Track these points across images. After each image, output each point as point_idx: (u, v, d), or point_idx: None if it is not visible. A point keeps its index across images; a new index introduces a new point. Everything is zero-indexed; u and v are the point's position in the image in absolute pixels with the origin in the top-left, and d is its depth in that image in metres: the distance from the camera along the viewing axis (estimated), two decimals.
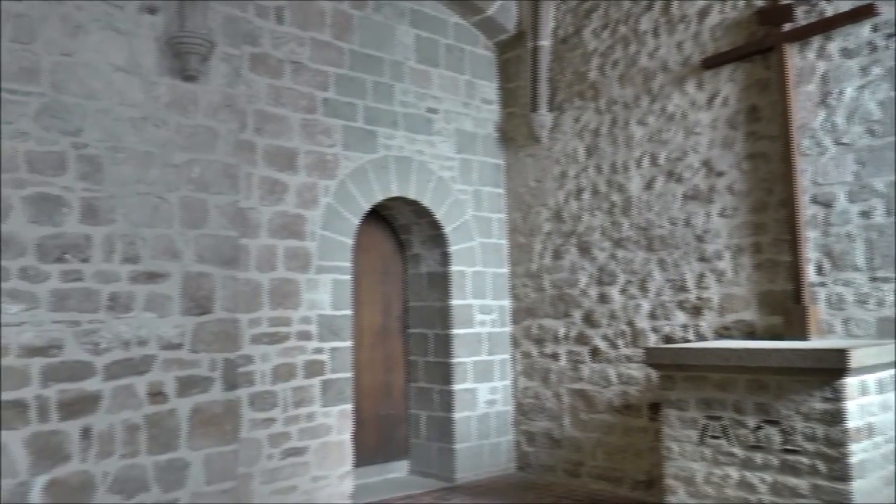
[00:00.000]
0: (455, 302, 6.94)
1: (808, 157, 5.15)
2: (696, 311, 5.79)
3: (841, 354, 3.85)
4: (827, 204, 5.04)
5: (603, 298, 6.49)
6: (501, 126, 7.51)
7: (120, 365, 4.60)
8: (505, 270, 7.39)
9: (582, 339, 6.64)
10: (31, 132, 4.38)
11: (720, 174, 5.68)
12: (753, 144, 5.50)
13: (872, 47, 4.88)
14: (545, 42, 7.09)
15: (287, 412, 5.70)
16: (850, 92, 4.97)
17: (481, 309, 7.15)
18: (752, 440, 4.19)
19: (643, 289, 6.17)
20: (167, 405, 4.79)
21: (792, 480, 4.00)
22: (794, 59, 5.25)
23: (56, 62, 4.50)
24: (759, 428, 4.17)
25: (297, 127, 5.93)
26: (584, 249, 6.68)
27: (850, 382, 3.91)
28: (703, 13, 5.87)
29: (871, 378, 4.08)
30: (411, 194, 6.72)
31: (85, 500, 4.40)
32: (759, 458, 4.15)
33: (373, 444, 6.85)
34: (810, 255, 5.10)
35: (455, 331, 6.91)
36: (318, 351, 5.93)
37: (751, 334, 5.43)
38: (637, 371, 6.14)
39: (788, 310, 5.11)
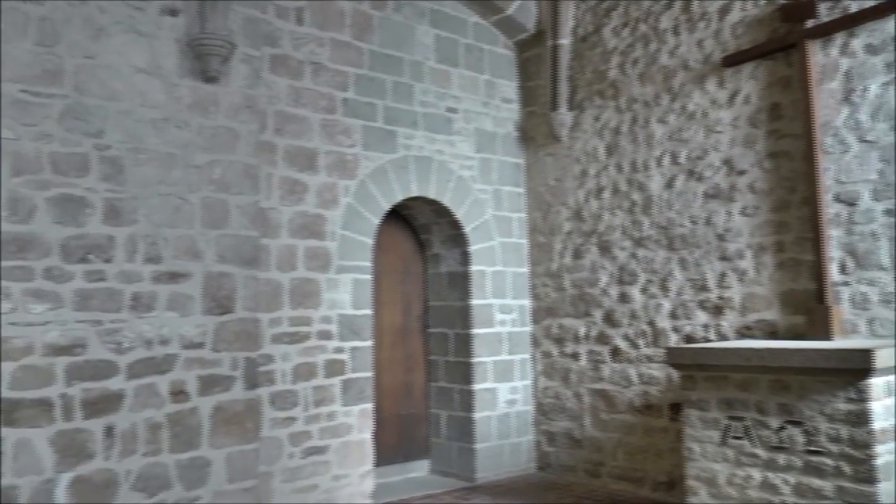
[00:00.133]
0: (475, 301, 6.93)
1: (831, 155, 5.09)
2: (717, 310, 5.75)
3: (865, 354, 3.80)
4: (850, 202, 4.99)
5: (623, 298, 6.46)
6: (521, 125, 7.49)
7: (142, 364, 4.64)
8: (525, 270, 7.38)
9: (602, 339, 6.62)
10: (55, 134, 4.43)
11: (741, 173, 5.64)
12: (775, 143, 5.45)
13: None
14: (565, 41, 7.07)
15: (308, 411, 5.72)
16: (874, 89, 4.91)
17: (501, 308, 7.14)
18: (774, 441, 4.16)
19: (664, 288, 6.14)
20: (189, 404, 4.82)
21: (816, 482, 3.96)
22: (817, 55, 5.20)
23: (79, 64, 4.55)
24: (781, 429, 4.13)
25: (317, 127, 5.95)
26: (605, 248, 6.65)
27: (876, 383, 3.86)
28: (724, 11, 5.82)
29: None
30: (431, 194, 6.73)
31: (108, 497, 4.44)
32: (782, 459, 4.12)
33: (393, 444, 6.86)
34: (834, 253, 5.05)
35: (475, 330, 6.91)
36: (339, 350, 5.95)
37: (773, 334, 5.38)
38: (658, 371, 6.10)
39: (811, 309, 5.06)
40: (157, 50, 4.88)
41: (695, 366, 4.56)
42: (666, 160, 6.19)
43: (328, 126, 6.03)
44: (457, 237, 7.02)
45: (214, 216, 5.03)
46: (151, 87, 4.83)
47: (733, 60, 5.69)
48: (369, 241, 6.23)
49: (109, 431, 4.48)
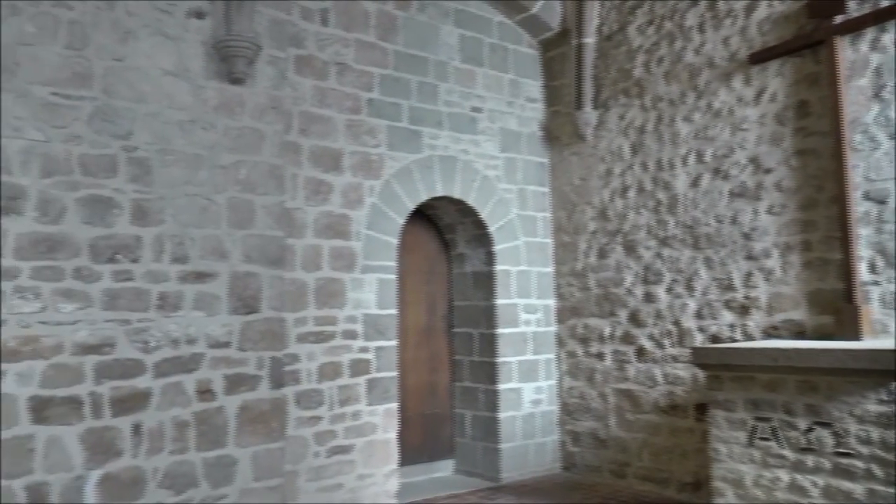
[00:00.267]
0: (500, 301, 6.93)
1: (861, 152, 5.02)
2: (743, 310, 5.69)
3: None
4: (880, 200, 4.92)
5: (649, 297, 6.42)
6: (546, 124, 7.47)
7: (169, 363, 4.70)
8: (550, 269, 7.36)
9: (627, 339, 6.58)
10: (85, 136, 4.49)
11: (768, 171, 5.58)
12: (803, 140, 5.38)
13: None
14: (590, 39, 7.04)
15: (333, 410, 5.75)
16: None
17: (526, 308, 7.12)
18: (802, 442, 4.11)
19: (689, 288, 6.09)
20: (215, 403, 4.87)
21: (846, 484, 3.91)
22: (846, 51, 5.13)
23: (107, 67, 4.61)
24: (810, 430, 4.09)
25: (342, 128, 5.98)
26: (630, 248, 6.62)
27: None
28: (751, 8, 5.76)
29: None
30: (456, 194, 6.73)
31: (136, 494, 4.50)
32: (810, 460, 4.07)
33: (418, 443, 6.88)
34: (863, 252, 4.98)
35: (500, 330, 6.90)
36: (364, 350, 5.97)
37: (800, 334, 5.32)
38: (683, 371, 6.06)
39: (839, 309, 4.99)
40: (184, 52, 4.93)
41: (721, 366, 4.52)
42: (691, 159, 6.14)
43: (353, 126, 6.05)
44: (481, 237, 7.02)
45: (240, 216, 5.08)
46: (178, 89, 4.89)
47: (760, 58, 5.63)
48: (394, 240, 6.25)
49: (137, 429, 4.54)
